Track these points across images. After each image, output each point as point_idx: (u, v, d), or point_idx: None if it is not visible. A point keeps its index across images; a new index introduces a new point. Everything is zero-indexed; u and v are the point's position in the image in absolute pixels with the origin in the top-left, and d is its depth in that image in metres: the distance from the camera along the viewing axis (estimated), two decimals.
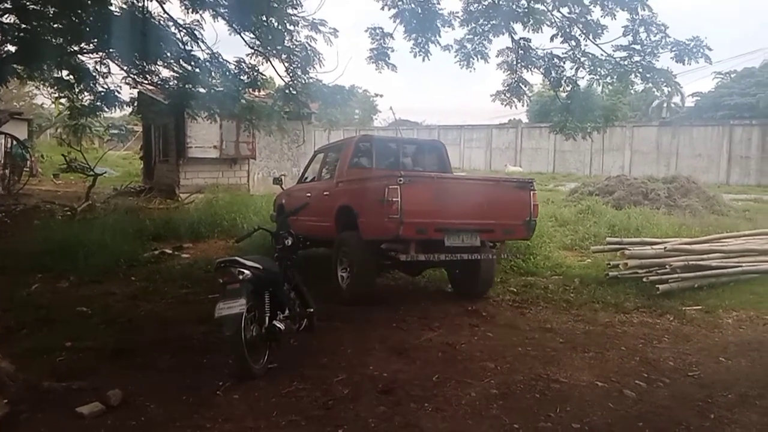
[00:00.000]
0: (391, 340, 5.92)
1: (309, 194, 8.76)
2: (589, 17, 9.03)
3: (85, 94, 10.60)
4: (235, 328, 4.66)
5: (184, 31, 9.37)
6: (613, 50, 9.09)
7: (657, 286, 7.69)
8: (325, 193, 8.31)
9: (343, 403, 4.41)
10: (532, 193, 7.40)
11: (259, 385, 4.68)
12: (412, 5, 9.36)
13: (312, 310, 5.68)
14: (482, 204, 7.16)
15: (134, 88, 11.41)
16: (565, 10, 9.16)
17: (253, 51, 9.67)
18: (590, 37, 9.17)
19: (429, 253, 6.94)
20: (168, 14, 9.24)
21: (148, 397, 4.44)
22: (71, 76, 10.14)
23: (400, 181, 6.51)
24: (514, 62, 10.16)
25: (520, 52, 9.95)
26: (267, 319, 5.04)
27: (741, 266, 8.27)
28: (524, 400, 4.50)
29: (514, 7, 9.33)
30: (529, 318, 6.89)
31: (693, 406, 4.44)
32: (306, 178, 10.03)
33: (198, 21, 9.26)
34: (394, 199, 6.46)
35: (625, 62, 9.03)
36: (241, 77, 9.72)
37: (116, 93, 10.09)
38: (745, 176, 28.69)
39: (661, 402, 4.54)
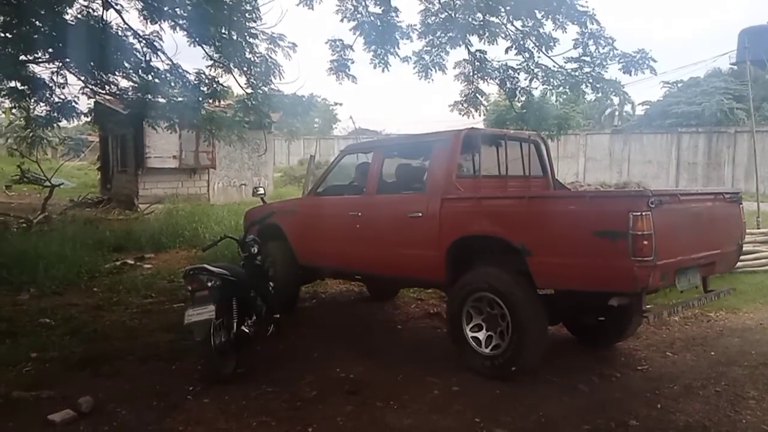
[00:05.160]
0: (356, 343, 6.07)
1: (358, 213, 6.36)
2: (541, 30, 9.47)
3: (41, 104, 10.45)
4: (205, 333, 4.78)
5: (144, 41, 9.38)
6: (565, 62, 9.57)
7: None
8: (412, 214, 5.76)
9: (312, 403, 4.55)
10: (741, 207, 5.56)
11: (229, 389, 4.78)
12: (372, 18, 9.61)
13: (278, 315, 5.78)
14: (710, 228, 5.22)
15: (92, 98, 11.30)
16: (518, 24, 9.58)
17: (213, 62, 9.73)
18: (543, 49, 9.60)
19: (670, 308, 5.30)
20: (127, 24, 9.23)
21: (119, 404, 4.50)
22: (25, 87, 9.99)
23: (652, 203, 4.29)
24: (471, 73, 10.52)
25: (476, 63, 10.33)
26: (235, 325, 5.13)
27: None
28: (485, 396, 4.70)
29: (470, 20, 9.70)
30: None
31: (641, 398, 4.71)
32: (316, 189, 7.29)
33: (157, 32, 9.29)
34: (645, 233, 4.24)
35: (576, 73, 9.48)
36: (201, 88, 9.74)
37: (74, 103, 9.98)
38: (693, 182, 29.72)
39: (612, 395, 4.81)
